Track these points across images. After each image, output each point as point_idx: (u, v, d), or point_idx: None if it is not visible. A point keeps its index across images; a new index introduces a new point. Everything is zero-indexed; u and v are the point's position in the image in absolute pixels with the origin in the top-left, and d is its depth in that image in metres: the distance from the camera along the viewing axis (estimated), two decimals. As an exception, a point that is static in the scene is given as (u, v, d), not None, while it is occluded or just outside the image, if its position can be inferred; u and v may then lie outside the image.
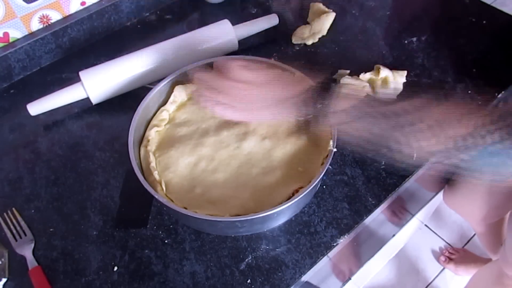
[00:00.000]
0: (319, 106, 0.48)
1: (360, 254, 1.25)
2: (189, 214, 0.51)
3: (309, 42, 0.80)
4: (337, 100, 0.48)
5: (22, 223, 0.61)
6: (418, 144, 0.45)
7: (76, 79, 0.72)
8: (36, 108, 0.71)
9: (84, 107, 0.74)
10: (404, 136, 0.45)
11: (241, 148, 0.59)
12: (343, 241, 0.57)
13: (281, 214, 0.56)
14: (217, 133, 0.61)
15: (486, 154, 0.41)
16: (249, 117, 0.55)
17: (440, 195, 1.17)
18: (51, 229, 0.60)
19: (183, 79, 0.65)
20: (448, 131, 0.43)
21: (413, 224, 1.26)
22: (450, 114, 0.45)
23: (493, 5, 0.85)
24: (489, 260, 1.35)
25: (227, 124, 0.61)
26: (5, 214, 0.61)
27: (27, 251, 0.58)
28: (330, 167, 0.63)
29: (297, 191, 0.54)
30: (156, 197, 0.51)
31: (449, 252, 1.47)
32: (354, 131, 0.49)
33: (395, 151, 0.46)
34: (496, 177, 0.45)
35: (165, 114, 0.63)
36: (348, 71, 0.74)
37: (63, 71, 0.80)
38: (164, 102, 0.65)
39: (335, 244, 0.57)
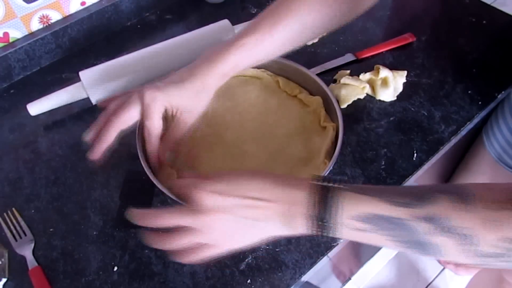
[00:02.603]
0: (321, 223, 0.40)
1: (360, 254, 1.25)
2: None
3: (309, 42, 0.80)
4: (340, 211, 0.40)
5: (22, 223, 0.61)
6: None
7: (76, 79, 0.72)
8: (36, 108, 0.71)
9: (84, 107, 0.74)
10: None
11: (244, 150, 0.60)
12: (343, 241, 0.57)
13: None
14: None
15: None
16: (236, 247, 0.45)
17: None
18: (51, 229, 0.60)
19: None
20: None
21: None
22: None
23: (493, 5, 0.85)
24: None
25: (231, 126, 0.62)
26: (5, 214, 0.61)
27: (27, 251, 0.58)
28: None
29: None
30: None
31: (449, 252, 1.47)
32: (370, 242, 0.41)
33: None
34: None
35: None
36: (348, 71, 0.74)
37: (63, 71, 0.80)
38: None
39: (335, 244, 0.57)
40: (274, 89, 0.66)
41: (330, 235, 0.40)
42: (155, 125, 0.51)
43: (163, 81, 0.52)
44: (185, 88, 0.51)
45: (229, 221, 0.42)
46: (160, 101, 0.50)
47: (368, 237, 0.40)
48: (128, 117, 0.51)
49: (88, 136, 0.52)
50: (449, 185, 0.40)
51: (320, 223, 0.40)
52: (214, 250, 0.44)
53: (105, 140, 0.50)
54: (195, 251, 0.44)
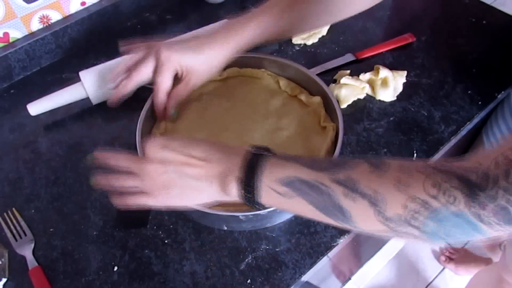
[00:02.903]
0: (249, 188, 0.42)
1: (360, 254, 1.25)
2: (206, 211, 0.50)
3: (309, 42, 0.80)
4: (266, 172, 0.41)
5: (22, 223, 0.61)
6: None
7: (76, 79, 0.72)
8: (36, 108, 0.71)
9: (84, 107, 0.74)
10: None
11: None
12: (343, 241, 0.57)
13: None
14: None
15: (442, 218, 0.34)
16: (171, 203, 0.47)
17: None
18: (51, 229, 0.60)
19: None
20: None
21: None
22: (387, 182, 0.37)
23: (493, 5, 0.85)
24: (489, 259, 1.35)
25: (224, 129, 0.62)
26: (5, 214, 0.61)
27: (27, 251, 0.58)
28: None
29: None
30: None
31: (450, 252, 1.47)
32: (292, 209, 0.43)
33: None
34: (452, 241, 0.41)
35: (162, 125, 0.62)
36: (348, 71, 0.74)
37: (63, 71, 0.80)
38: None
39: (335, 244, 0.57)
40: (275, 89, 0.66)
41: (257, 200, 0.42)
42: (164, 82, 0.57)
43: (180, 43, 0.58)
44: (200, 53, 0.56)
45: (168, 174, 0.44)
46: (173, 62, 0.56)
47: (288, 202, 0.41)
48: (145, 72, 0.58)
49: (112, 84, 0.61)
50: (371, 157, 0.41)
51: (245, 185, 0.42)
52: (150, 199, 0.46)
53: (124, 89, 0.59)
54: (133, 196, 0.46)
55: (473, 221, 0.32)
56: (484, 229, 0.32)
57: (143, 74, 0.58)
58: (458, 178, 0.33)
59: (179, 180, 0.44)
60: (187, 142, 0.46)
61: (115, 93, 0.60)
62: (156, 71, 0.57)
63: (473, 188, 0.32)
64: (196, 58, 0.57)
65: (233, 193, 0.43)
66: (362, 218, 0.38)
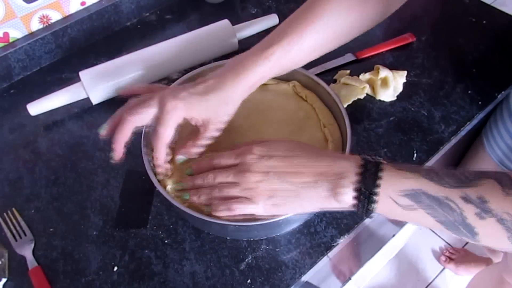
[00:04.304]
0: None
1: (360, 254, 1.25)
2: (206, 219, 0.49)
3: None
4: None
5: (22, 223, 0.61)
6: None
7: (76, 79, 0.72)
8: (36, 108, 0.71)
9: (84, 107, 0.74)
10: None
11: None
12: (343, 241, 0.57)
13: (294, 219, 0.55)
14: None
15: None
16: (275, 212, 0.46)
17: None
18: (51, 229, 0.60)
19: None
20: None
21: (413, 224, 1.26)
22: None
23: (493, 5, 0.85)
24: (489, 259, 1.35)
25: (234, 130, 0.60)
26: (5, 214, 0.61)
27: (27, 251, 0.58)
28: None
29: None
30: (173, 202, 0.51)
31: (450, 252, 1.47)
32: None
33: None
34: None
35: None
36: (348, 71, 0.74)
37: (63, 71, 0.80)
38: None
39: (335, 244, 0.57)
40: (290, 94, 0.64)
41: (371, 209, 0.41)
42: (167, 134, 0.50)
43: (188, 89, 0.50)
44: (209, 100, 0.50)
45: (271, 181, 0.44)
46: (179, 112, 0.49)
47: (407, 214, 0.40)
48: (143, 118, 0.50)
49: (104, 131, 0.52)
50: (493, 171, 0.40)
51: (366, 194, 0.40)
52: (253, 206, 0.45)
53: (122, 138, 0.50)
54: (236, 203, 0.45)
55: None
56: None
57: (140, 119, 0.50)
58: None
59: (281, 187, 0.44)
60: (289, 147, 0.46)
61: (116, 147, 0.51)
62: (158, 120, 0.49)
63: None
64: (205, 105, 0.50)
65: (346, 200, 0.42)
66: (491, 238, 0.38)
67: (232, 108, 0.52)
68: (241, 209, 0.45)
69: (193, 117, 0.50)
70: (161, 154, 0.52)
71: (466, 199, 0.38)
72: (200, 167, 0.51)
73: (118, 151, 0.51)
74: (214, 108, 0.50)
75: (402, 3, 0.55)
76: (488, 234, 0.38)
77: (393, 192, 0.40)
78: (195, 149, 0.53)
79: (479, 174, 0.39)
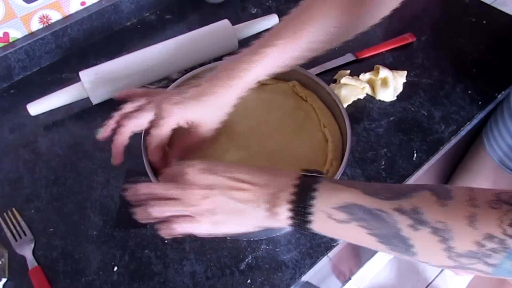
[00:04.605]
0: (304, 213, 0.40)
1: (360, 254, 1.25)
2: None
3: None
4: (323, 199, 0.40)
5: (22, 223, 0.61)
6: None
7: (76, 79, 0.72)
8: (36, 108, 0.71)
9: (84, 107, 0.74)
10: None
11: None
12: (343, 241, 0.57)
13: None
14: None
15: None
16: (216, 231, 0.44)
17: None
18: (51, 229, 0.60)
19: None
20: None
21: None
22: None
23: (493, 5, 0.85)
24: (489, 260, 1.35)
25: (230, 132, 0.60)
26: (5, 214, 0.61)
27: (27, 251, 0.58)
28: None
29: None
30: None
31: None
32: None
33: None
34: None
35: None
36: (348, 71, 0.75)
37: (63, 71, 0.80)
38: None
39: (335, 244, 0.57)
40: (288, 93, 0.64)
41: (307, 224, 0.40)
42: (161, 137, 0.51)
43: (182, 94, 0.51)
44: (204, 104, 0.50)
45: (215, 198, 0.42)
46: (175, 117, 0.50)
47: (343, 229, 0.39)
48: (141, 123, 0.51)
49: (101, 135, 0.52)
50: (431, 184, 0.40)
51: (300, 209, 0.40)
52: (195, 225, 0.43)
53: (120, 143, 0.51)
54: (177, 222, 0.43)
55: None
56: None
57: (138, 125, 0.51)
58: None
59: (224, 204, 0.42)
60: (230, 165, 0.44)
61: (115, 153, 0.52)
62: (154, 124, 0.50)
63: None
64: (200, 108, 0.50)
65: (282, 217, 0.41)
66: (428, 252, 0.36)
67: (225, 111, 0.52)
68: (183, 229, 0.43)
69: (187, 120, 0.51)
70: (154, 156, 0.52)
71: (400, 210, 0.36)
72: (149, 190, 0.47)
73: (118, 156, 0.52)
74: (208, 110, 0.51)
75: (398, 3, 0.55)
76: (424, 247, 0.36)
77: (328, 206, 0.39)
78: (185, 148, 0.53)
79: (416, 187, 0.38)
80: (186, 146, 0.54)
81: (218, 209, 0.42)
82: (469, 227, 0.34)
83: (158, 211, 0.43)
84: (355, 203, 0.38)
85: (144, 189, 0.45)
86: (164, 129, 0.50)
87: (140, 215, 0.44)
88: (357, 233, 0.39)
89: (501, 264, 0.34)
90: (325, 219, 0.39)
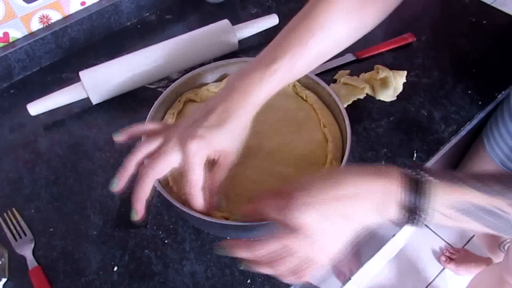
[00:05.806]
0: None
1: (360, 254, 1.25)
2: (216, 221, 0.49)
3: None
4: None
5: (22, 223, 0.61)
6: None
7: (76, 79, 0.72)
8: (36, 108, 0.71)
9: (84, 107, 0.74)
10: None
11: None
12: (343, 241, 0.57)
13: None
14: None
15: None
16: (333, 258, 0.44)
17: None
18: (51, 229, 0.60)
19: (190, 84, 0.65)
20: None
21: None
22: None
23: (493, 5, 0.85)
24: (489, 259, 1.35)
25: None
26: (5, 214, 0.61)
27: (27, 251, 0.58)
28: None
29: None
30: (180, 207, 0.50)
31: (450, 252, 1.47)
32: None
33: None
34: None
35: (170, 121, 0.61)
36: (348, 71, 0.74)
37: (63, 71, 0.80)
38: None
39: (335, 244, 0.57)
40: (288, 93, 0.64)
41: (420, 222, 0.41)
42: (199, 178, 0.47)
43: (201, 123, 0.47)
44: (227, 130, 0.47)
45: (326, 225, 0.41)
46: (203, 151, 0.46)
47: (459, 224, 0.41)
48: (165, 168, 0.46)
49: (116, 186, 0.48)
50: None
51: (414, 210, 0.40)
52: (319, 268, 0.43)
53: (143, 196, 0.46)
54: (301, 270, 0.43)
55: None
56: None
57: (162, 171, 0.46)
58: None
59: (337, 223, 0.42)
60: (318, 185, 0.42)
61: (135, 203, 0.46)
62: (185, 166, 0.46)
63: None
64: (225, 136, 0.47)
65: (392, 217, 0.41)
66: None
67: (246, 132, 0.50)
68: (311, 274, 0.43)
69: (215, 152, 0.48)
70: (199, 200, 0.48)
71: None
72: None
73: (140, 210, 0.46)
74: (230, 136, 0.48)
75: (399, 2, 0.56)
76: None
77: (442, 207, 0.40)
78: (218, 180, 0.50)
79: None
80: (217, 181, 0.50)
81: (332, 231, 0.42)
82: None
83: (286, 268, 0.44)
84: (468, 201, 0.39)
85: (256, 246, 0.44)
86: (197, 169, 0.46)
87: (265, 271, 0.45)
88: (474, 226, 0.40)
89: None
90: (439, 217, 0.41)
